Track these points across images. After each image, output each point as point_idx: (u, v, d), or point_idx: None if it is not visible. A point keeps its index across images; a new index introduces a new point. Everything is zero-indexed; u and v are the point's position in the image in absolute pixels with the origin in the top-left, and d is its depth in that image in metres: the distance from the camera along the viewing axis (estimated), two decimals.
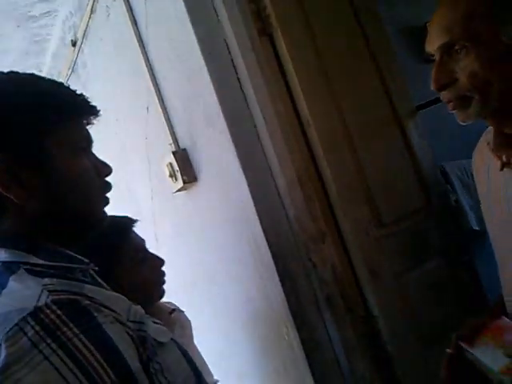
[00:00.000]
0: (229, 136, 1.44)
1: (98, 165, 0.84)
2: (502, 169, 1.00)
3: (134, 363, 0.68)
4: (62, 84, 0.85)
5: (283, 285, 1.39)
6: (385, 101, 1.60)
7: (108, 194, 0.86)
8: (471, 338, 0.95)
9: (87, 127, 0.84)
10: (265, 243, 1.41)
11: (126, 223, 1.33)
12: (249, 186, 1.42)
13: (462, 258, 1.56)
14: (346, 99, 1.52)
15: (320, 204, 1.43)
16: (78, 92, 0.83)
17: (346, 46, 1.58)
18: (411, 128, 1.61)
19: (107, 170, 0.85)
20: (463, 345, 0.94)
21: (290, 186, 1.42)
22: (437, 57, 0.93)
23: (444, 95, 0.94)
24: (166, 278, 1.37)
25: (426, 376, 1.41)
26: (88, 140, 0.84)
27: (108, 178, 0.87)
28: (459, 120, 0.96)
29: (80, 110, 0.82)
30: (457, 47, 0.89)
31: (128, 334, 0.71)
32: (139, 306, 0.80)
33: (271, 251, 1.40)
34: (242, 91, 1.47)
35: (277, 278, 1.39)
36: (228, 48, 1.48)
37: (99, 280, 0.85)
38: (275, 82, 1.46)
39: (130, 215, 1.38)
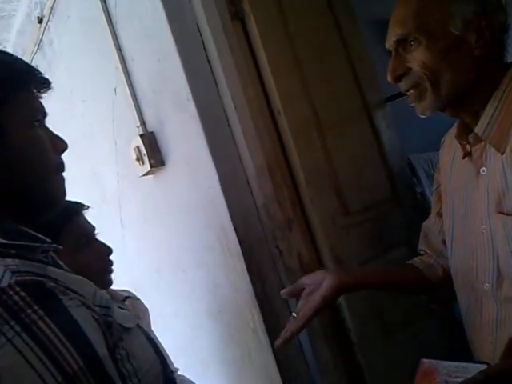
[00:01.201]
0: (198, 121, 1.42)
1: (54, 139, 0.81)
2: (464, 157, 1.04)
3: (101, 348, 0.66)
4: (10, 54, 0.81)
5: (250, 272, 1.39)
6: (355, 91, 1.61)
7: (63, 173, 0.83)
8: None
9: (39, 98, 0.81)
10: (232, 230, 1.40)
11: (73, 208, 1.28)
12: (217, 172, 1.41)
13: None
14: (316, 87, 1.52)
15: (288, 192, 1.43)
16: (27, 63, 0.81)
17: (318, 34, 1.58)
18: (380, 118, 1.63)
19: (63, 145, 0.82)
20: None
21: (258, 173, 1.42)
22: (392, 50, 0.98)
23: (402, 86, 0.99)
24: (134, 267, 1.34)
25: (387, 363, 1.44)
26: (42, 112, 0.81)
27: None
28: (418, 113, 1.00)
29: (31, 80, 0.79)
30: (410, 39, 0.95)
31: (94, 318, 0.69)
32: (104, 291, 0.78)
33: (238, 238, 1.39)
34: (213, 75, 1.45)
35: (243, 265, 1.39)
36: (199, 31, 1.45)
37: (60, 262, 0.82)
38: (246, 68, 1.45)
39: (92, 198, 1.35)
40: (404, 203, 1.62)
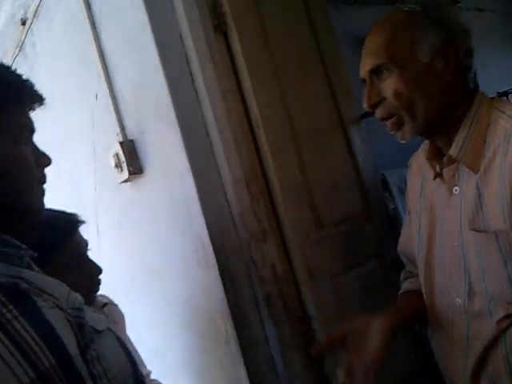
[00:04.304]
0: (178, 130, 1.44)
1: (38, 155, 0.83)
2: (434, 178, 1.08)
3: (73, 348, 0.69)
4: (7, 67, 0.83)
5: (224, 281, 1.40)
6: (331, 105, 1.64)
7: (44, 185, 0.85)
8: None
9: (30, 114, 0.83)
10: (208, 240, 1.42)
11: (71, 223, 1.28)
12: (195, 182, 1.43)
13: (395, 261, 1.62)
14: (294, 101, 1.56)
15: (264, 204, 1.45)
16: (25, 76, 0.82)
17: (298, 50, 1.62)
18: (355, 133, 1.67)
19: (46, 160, 0.85)
20: None
21: (236, 185, 1.44)
22: (367, 79, 1.03)
23: (377, 113, 1.04)
24: (107, 275, 1.33)
25: None
26: (30, 129, 0.83)
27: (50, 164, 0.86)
28: (398, 139, 1.05)
29: (24, 96, 0.81)
30: (383, 69, 1.00)
31: (67, 319, 0.72)
32: (78, 294, 0.80)
33: (214, 248, 1.41)
34: (194, 86, 1.47)
35: (217, 275, 1.40)
36: (182, 42, 1.47)
37: (35, 267, 0.84)
38: (227, 80, 1.47)
39: (68, 204, 1.35)
40: (376, 218, 1.66)
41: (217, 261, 1.40)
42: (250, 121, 1.49)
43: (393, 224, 1.78)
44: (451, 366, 1.09)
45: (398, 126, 1.02)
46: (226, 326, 1.41)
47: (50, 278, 0.79)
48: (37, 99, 0.83)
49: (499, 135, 0.97)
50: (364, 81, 1.05)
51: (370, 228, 1.63)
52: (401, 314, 1.12)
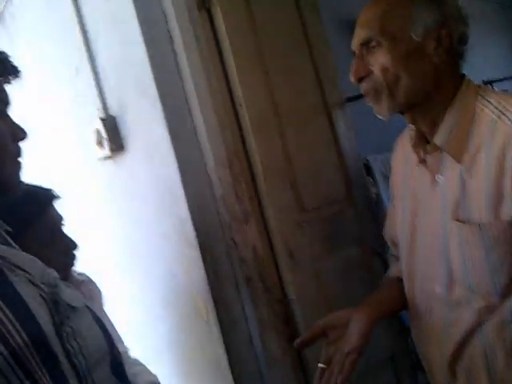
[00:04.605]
0: (160, 109, 1.42)
1: (14, 129, 0.81)
2: (418, 164, 1.07)
3: (47, 325, 0.69)
4: None
5: (205, 262, 1.40)
6: (316, 89, 1.63)
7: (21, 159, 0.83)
8: None
9: (4, 86, 0.81)
10: (189, 220, 1.40)
11: (46, 198, 1.27)
12: (177, 161, 1.41)
13: (376, 247, 1.63)
14: (279, 84, 1.54)
15: (246, 185, 1.44)
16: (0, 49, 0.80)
17: (283, 31, 1.60)
18: (339, 118, 1.66)
19: (21, 134, 0.83)
20: None
21: (218, 165, 1.43)
22: (357, 52, 1.02)
23: (362, 87, 1.02)
24: (86, 251, 1.33)
25: None
26: (5, 102, 0.81)
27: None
28: (376, 113, 1.04)
29: None
30: (373, 43, 0.98)
31: (41, 296, 0.71)
32: (53, 270, 0.79)
33: (195, 228, 1.40)
34: (177, 64, 1.45)
35: (199, 255, 1.40)
36: (166, 18, 1.44)
37: (11, 241, 0.82)
38: (211, 59, 1.45)
39: (52, 186, 1.33)
40: (358, 204, 1.66)
41: (198, 241, 1.39)
42: (233, 100, 1.47)
43: (375, 209, 1.79)
44: (429, 353, 1.11)
45: (376, 100, 1.01)
46: (207, 306, 1.41)
47: (24, 254, 0.78)
48: (12, 71, 0.81)
49: (485, 126, 0.96)
50: (355, 54, 1.03)
51: (353, 213, 1.64)
52: (381, 308, 1.12)
